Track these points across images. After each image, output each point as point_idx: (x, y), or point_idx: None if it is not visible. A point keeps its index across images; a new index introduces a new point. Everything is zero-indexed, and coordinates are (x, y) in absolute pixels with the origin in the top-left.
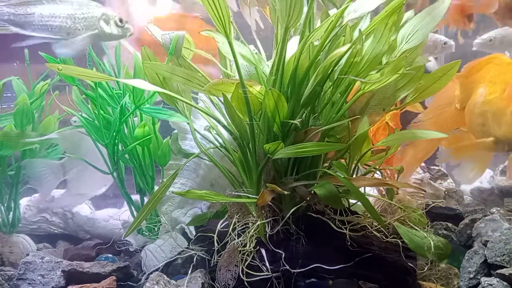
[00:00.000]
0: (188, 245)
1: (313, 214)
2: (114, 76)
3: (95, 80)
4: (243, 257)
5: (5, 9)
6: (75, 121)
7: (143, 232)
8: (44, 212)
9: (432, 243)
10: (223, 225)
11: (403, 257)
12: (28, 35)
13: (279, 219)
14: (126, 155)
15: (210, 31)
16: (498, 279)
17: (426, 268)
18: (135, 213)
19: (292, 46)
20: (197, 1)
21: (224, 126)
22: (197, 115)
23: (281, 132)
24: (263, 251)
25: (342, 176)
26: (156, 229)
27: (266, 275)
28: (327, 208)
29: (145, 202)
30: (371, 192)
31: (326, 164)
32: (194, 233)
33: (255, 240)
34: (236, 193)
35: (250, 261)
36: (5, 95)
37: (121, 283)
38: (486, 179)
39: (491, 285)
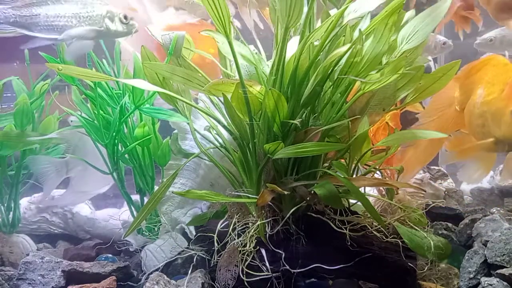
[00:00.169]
0: (188, 245)
1: (313, 214)
2: (114, 76)
3: (95, 80)
4: (243, 257)
5: (11, 11)
6: (71, 121)
7: (143, 232)
8: (44, 212)
9: (432, 243)
10: (223, 225)
11: (403, 257)
12: (33, 36)
13: (279, 219)
14: (126, 155)
15: (210, 31)
16: (498, 279)
17: (426, 268)
18: (135, 213)
19: (292, 46)
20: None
21: (224, 126)
22: (197, 115)
23: (281, 132)
24: (263, 251)
25: (342, 176)
26: (156, 229)
27: (266, 275)
28: (327, 208)
29: (145, 202)
30: (371, 192)
31: (326, 164)
32: (194, 233)
33: (255, 240)
34: (236, 193)
35: (250, 261)
36: (5, 95)
37: (121, 283)
38: (486, 179)
39: (491, 285)
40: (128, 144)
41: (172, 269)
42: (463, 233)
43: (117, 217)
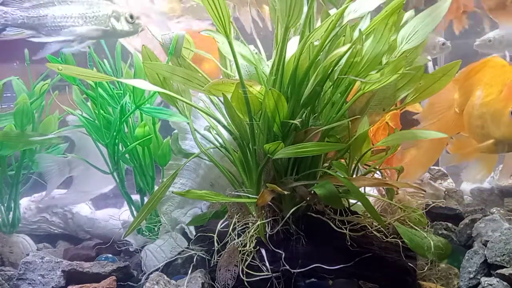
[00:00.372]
0: (188, 245)
1: (313, 214)
2: (115, 76)
3: (96, 80)
4: (243, 257)
5: (19, 13)
6: (68, 121)
7: (143, 232)
8: (44, 212)
9: (432, 243)
10: (223, 225)
11: (403, 257)
12: (44, 43)
13: (279, 219)
14: (127, 155)
15: (210, 31)
16: (498, 279)
17: (426, 268)
18: (135, 213)
19: (292, 46)
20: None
21: (224, 126)
22: (197, 115)
23: (281, 132)
24: (263, 251)
25: (342, 176)
26: (156, 229)
27: (266, 275)
28: (327, 208)
29: (145, 202)
30: (371, 192)
31: (326, 164)
32: (194, 233)
33: (255, 240)
34: (236, 193)
35: (250, 261)
36: (5, 95)
37: (121, 283)
38: (486, 179)
39: (491, 285)
40: (129, 144)
41: (172, 269)
42: (463, 233)
43: (117, 217)
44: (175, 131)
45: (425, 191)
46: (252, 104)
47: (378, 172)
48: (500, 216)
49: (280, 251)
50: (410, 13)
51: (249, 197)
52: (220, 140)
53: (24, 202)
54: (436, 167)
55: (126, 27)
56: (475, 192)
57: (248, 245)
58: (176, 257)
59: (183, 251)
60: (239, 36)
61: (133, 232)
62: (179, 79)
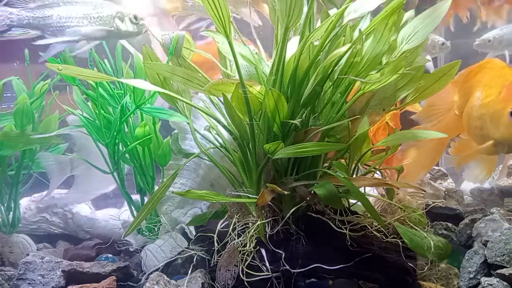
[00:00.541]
0: (188, 245)
1: (313, 214)
2: (115, 76)
3: (96, 80)
4: (243, 257)
5: (24, 13)
6: (68, 121)
7: (143, 232)
8: (44, 212)
9: (432, 243)
10: (223, 225)
11: (403, 257)
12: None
13: (279, 219)
14: (127, 155)
15: (210, 31)
16: (498, 279)
17: (426, 268)
18: (135, 213)
19: (292, 46)
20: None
21: (224, 126)
22: (197, 115)
23: (281, 132)
24: (263, 251)
25: (342, 176)
26: (156, 229)
27: (266, 275)
28: (327, 208)
29: (145, 202)
30: (371, 192)
31: (326, 164)
32: (194, 233)
33: (255, 240)
34: (236, 193)
35: (250, 261)
36: (5, 95)
37: (121, 283)
38: (486, 180)
39: (491, 285)
40: (129, 144)
41: (172, 269)
42: (463, 233)
43: (117, 217)
44: (175, 131)
45: (425, 191)
46: (252, 104)
47: (378, 172)
48: (500, 216)
49: (280, 251)
50: (410, 13)
51: (249, 197)
52: (220, 140)
53: (24, 202)
54: (436, 167)
55: (130, 27)
56: (475, 192)
57: (248, 245)
58: (176, 257)
59: (183, 251)
60: (240, 36)
61: (133, 232)
62: (179, 79)
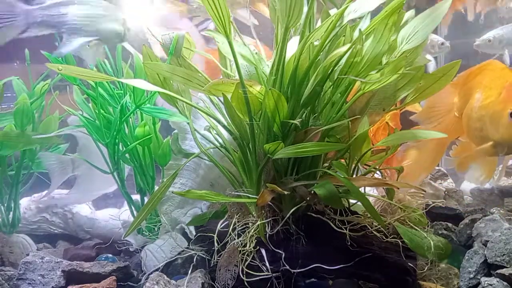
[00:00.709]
0: (188, 245)
1: (313, 214)
2: (115, 76)
3: (96, 80)
4: (243, 257)
5: (39, 12)
6: (68, 122)
7: (143, 232)
8: (44, 212)
9: (432, 243)
10: (223, 225)
11: (403, 257)
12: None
13: (279, 219)
14: (127, 155)
15: (210, 31)
16: (498, 279)
17: (426, 268)
18: (135, 213)
19: (292, 46)
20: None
21: (224, 126)
22: (197, 115)
23: (281, 132)
24: (263, 251)
25: (342, 176)
26: (156, 229)
27: (266, 275)
28: (327, 208)
29: (145, 202)
30: (371, 192)
31: (326, 164)
32: (194, 233)
33: (255, 240)
34: (236, 193)
35: (250, 261)
36: (5, 95)
37: (121, 283)
38: (486, 182)
39: (491, 285)
40: (129, 144)
41: (172, 269)
42: (463, 233)
43: (117, 217)
44: (175, 131)
45: (425, 191)
46: (252, 104)
47: (378, 172)
48: (500, 216)
49: (280, 251)
50: (410, 13)
51: (249, 197)
52: (220, 140)
53: (24, 202)
54: (436, 167)
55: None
56: (475, 192)
57: (248, 245)
58: (176, 257)
59: (183, 251)
60: (241, 36)
61: (133, 232)
62: (179, 79)
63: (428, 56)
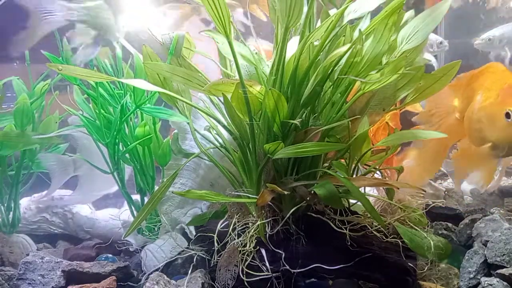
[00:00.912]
0: (188, 245)
1: (313, 214)
2: (115, 76)
3: (96, 80)
4: (243, 257)
5: (79, 10)
6: (68, 122)
7: (143, 232)
8: (44, 212)
9: (432, 243)
10: (223, 225)
11: (403, 257)
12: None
13: (279, 219)
14: (127, 155)
15: (210, 31)
16: (498, 279)
17: (426, 268)
18: (135, 213)
19: (292, 46)
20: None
21: (224, 126)
22: (197, 115)
23: (281, 132)
24: (263, 251)
25: (342, 176)
26: (156, 229)
27: (266, 275)
28: (327, 208)
29: (145, 202)
30: (371, 192)
31: (326, 164)
32: (194, 233)
33: (255, 240)
34: (236, 193)
35: (250, 261)
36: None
37: (121, 283)
38: (486, 187)
39: (491, 285)
40: (129, 144)
41: (172, 269)
42: (463, 233)
43: (117, 217)
44: (175, 131)
45: (425, 191)
46: (252, 104)
47: (378, 172)
48: (500, 216)
49: (280, 251)
50: (410, 13)
51: (249, 197)
52: (220, 140)
53: (24, 202)
54: None
55: None
56: (475, 192)
57: (248, 245)
58: (176, 257)
59: (183, 251)
60: (239, 36)
61: (133, 232)
62: (179, 79)
63: (427, 55)
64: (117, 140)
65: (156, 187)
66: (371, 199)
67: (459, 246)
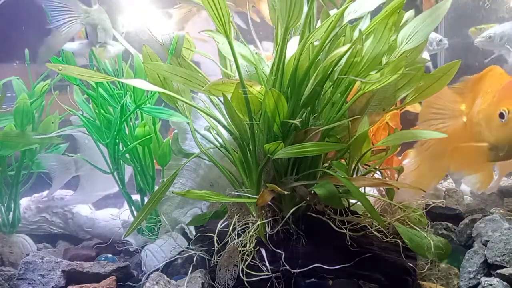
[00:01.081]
0: (188, 245)
1: (313, 214)
2: (115, 76)
3: (96, 80)
4: (243, 257)
5: (97, 14)
6: (72, 121)
7: (143, 232)
8: (44, 212)
9: (432, 243)
10: (223, 225)
11: (403, 257)
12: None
13: (279, 219)
14: (127, 155)
15: (210, 31)
16: (498, 279)
17: (426, 268)
18: (135, 213)
19: (292, 46)
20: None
21: (224, 126)
22: (197, 115)
23: (281, 132)
24: (263, 251)
25: (342, 176)
26: (156, 229)
27: (266, 275)
28: (327, 208)
29: (145, 202)
30: (371, 192)
31: (326, 164)
32: (194, 233)
33: (255, 240)
34: (236, 193)
35: (250, 261)
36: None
37: (121, 283)
38: (484, 190)
39: (491, 285)
40: (129, 144)
41: (172, 269)
42: (463, 233)
43: (117, 217)
44: (175, 131)
45: (425, 191)
46: (252, 104)
47: (378, 172)
48: (500, 216)
49: (280, 251)
50: (410, 13)
51: (249, 197)
52: (220, 140)
53: (24, 202)
54: None
55: None
56: (475, 192)
57: (248, 245)
58: (176, 257)
59: (183, 251)
60: (239, 36)
61: (133, 232)
62: (179, 79)
63: (426, 54)
64: (117, 140)
65: (156, 187)
66: (371, 199)
67: (459, 246)
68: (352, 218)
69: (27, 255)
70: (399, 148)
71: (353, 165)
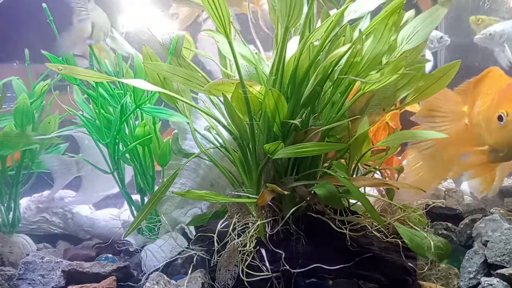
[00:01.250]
0: (188, 245)
1: (313, 214)
2: (115, 76)
3: (96, 80)
4: (243, 257)
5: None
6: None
7: (143, 232)
8: (44, 212)
9: (432, 243)
10: (223, 225)
11: (403, 257)
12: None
13: (279, 219)
14: (127, 155)
15: (210, 31)
16: (498, 279)
17: (426, 268)
18: (135, 213)
19: (292, 46)
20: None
21: (224, 126)
22: (197, 115)
23: (281, 132)
24: (263, 251)
25: (342, 176)
26: (156, 229)
27: (266, 275)
28: (327, 208)
29: (145, 202)
30: (371, 192)
31: (326, 164)
32: (194, 233)
33: (255, 240)
34: (236, 193)
35: (250, 261)
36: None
37: (121, 283)
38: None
39: (491, 285)
40: (129, 144)
41: (172, 269)
42: (463, 233)
43: (117, 217)
44: (175, 131)
45: (425, 191)
46: (252, 104)
47: (378, 172)
48: (500, 216)
49: (280, 251)
50: (410, 13)
51: (249, 197)
52: (220, 140)
53: (24, 202)
54: None
55: None
56: (478, 195)
57: (248, 245)
58: (176, 257)
59: (183, 251)
60: (239, 37)
61: (133, 232)
62: (179, 79)
63: (427, 53)
64: (117, 140)
65: (156, 187)
66: (371, 199)
67: (459, 246)
68: (352, 218)
69: (27, 255)
70: (399, 148)
71: (353, 165)
